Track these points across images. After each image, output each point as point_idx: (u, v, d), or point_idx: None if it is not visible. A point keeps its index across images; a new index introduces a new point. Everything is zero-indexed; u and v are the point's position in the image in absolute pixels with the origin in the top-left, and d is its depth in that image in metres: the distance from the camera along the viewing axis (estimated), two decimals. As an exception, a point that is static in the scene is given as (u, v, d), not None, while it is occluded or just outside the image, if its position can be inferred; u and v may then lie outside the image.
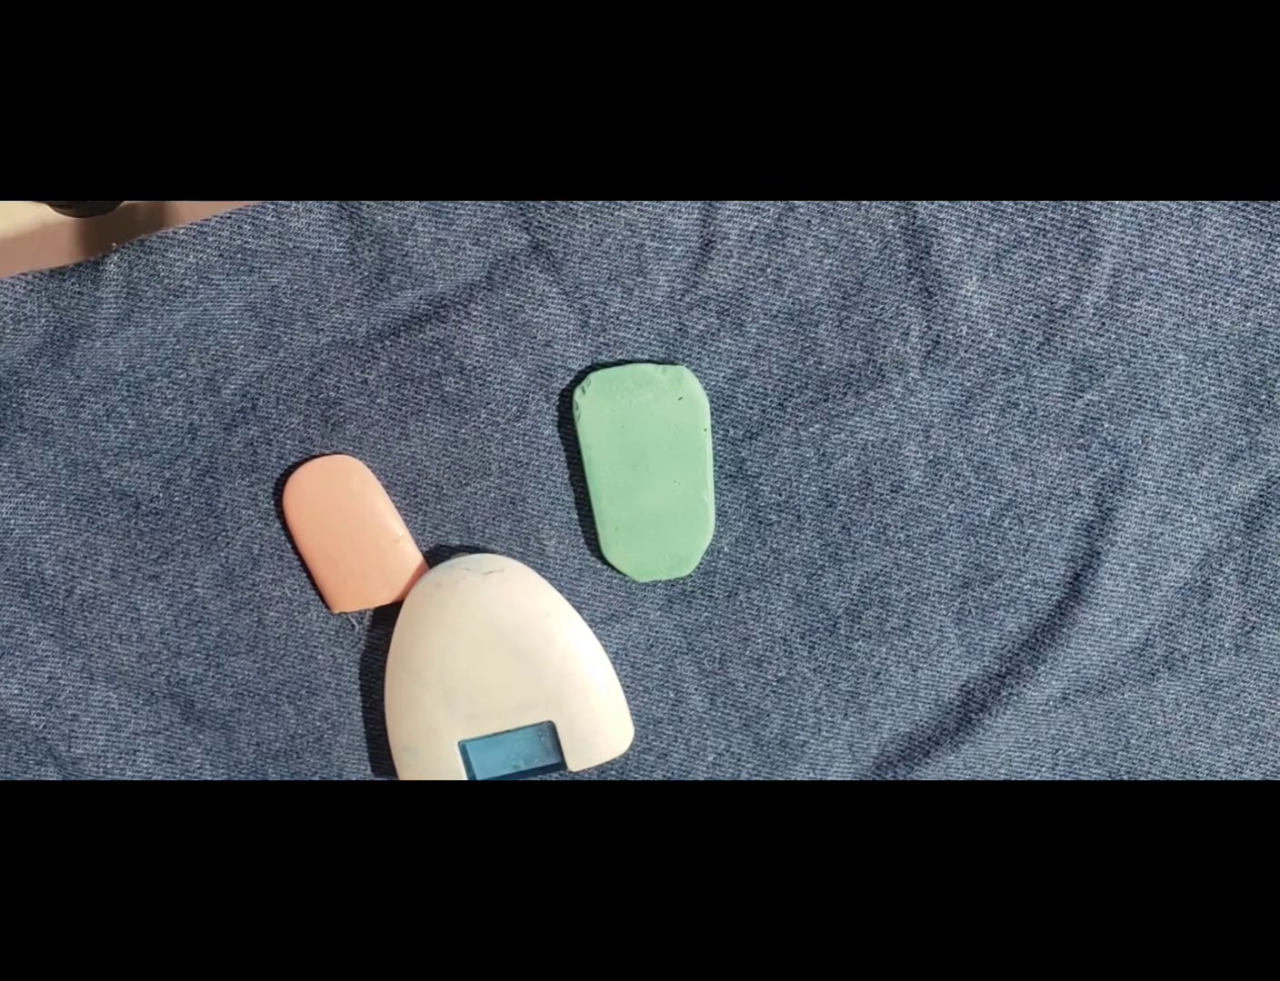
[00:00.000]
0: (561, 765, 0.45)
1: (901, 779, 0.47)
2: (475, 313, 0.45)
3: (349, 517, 0.45)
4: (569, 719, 0.45)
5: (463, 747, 0.45)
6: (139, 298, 0.43)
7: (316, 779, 0.47)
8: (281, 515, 0.45)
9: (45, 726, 0.45)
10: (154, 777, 0.46)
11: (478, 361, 0.45)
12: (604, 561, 0.46)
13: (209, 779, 0.47)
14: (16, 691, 0.45)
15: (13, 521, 0.45)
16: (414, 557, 0.46)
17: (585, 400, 0.44)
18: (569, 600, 0.46)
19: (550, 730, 0.45)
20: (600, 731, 0.45)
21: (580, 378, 0.45)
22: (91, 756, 0.46)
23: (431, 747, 0.45)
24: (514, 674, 0.44)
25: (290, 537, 0.46)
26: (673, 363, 0.45)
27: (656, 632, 0.47)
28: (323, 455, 0.45)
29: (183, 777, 0.46)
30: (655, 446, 0.45)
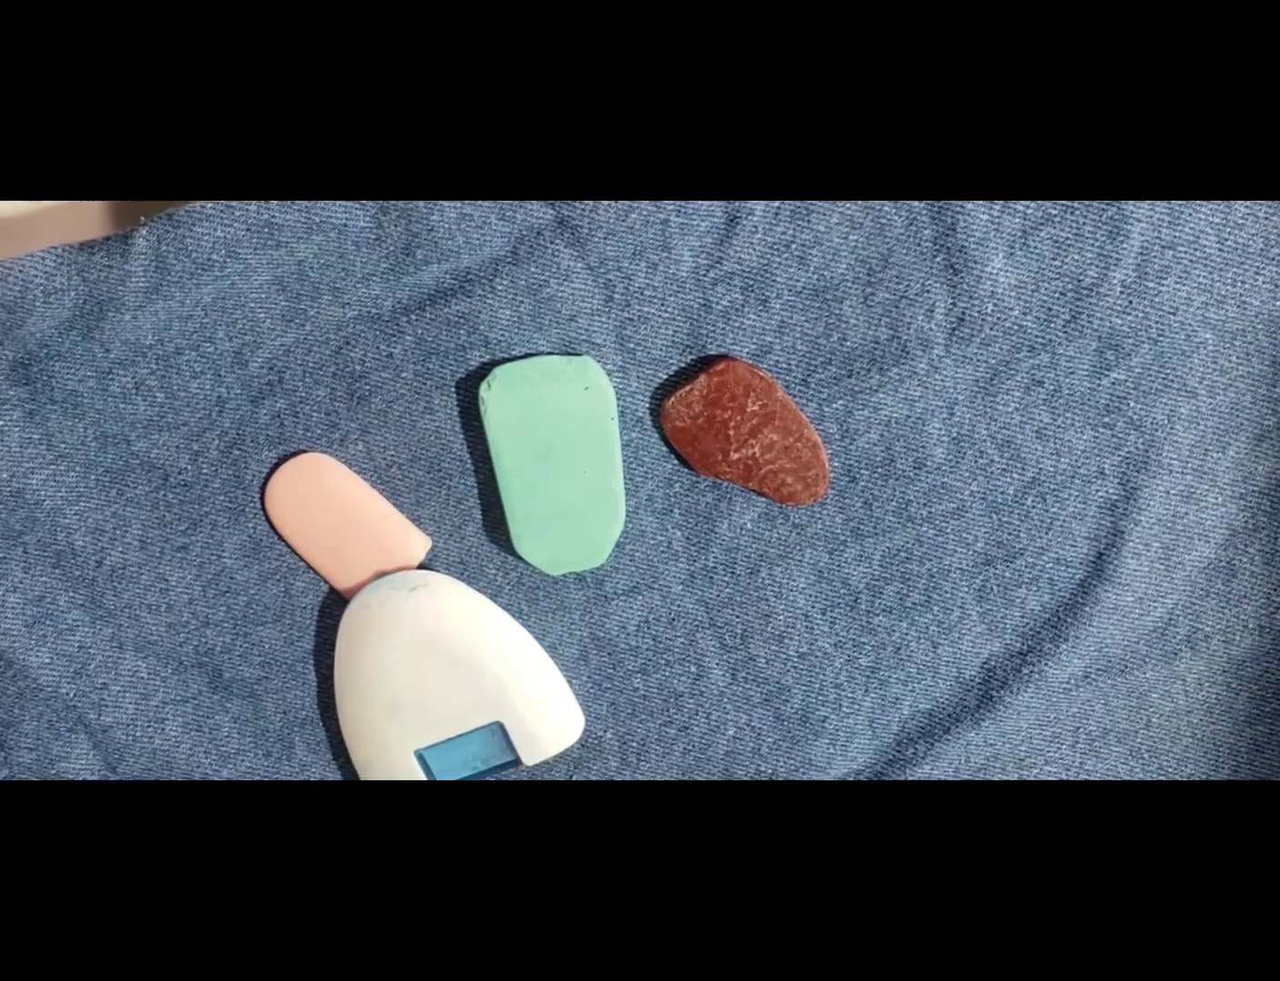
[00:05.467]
0: (517, 761, 0.46)
1: (922, 755, 0.47)
2: (500, 287, 0.45)
3: (332, 510, 0.46)
4: (516, 716, 0.45)
5: (420, 756, 0.45)
6: (167, 271, 0.44)
7: (342, 749, 0.47)
8: (269, 522, 0.46)
9: (76, 694, 0.46)
10: (182, 746, 0.47)
11: (502, 336, 0.45)
12: (516, 556, 0.46)
13: (236, 747, 0.47)
14: (48, 660, 0.46)
15: (43, 493, 0.45)
16: (406, 526, 0.46)
17: (491, 395, 0.44)
18: (592, 572, 0.46)
19: (500, 729, 0.45)
20: (548, 724, 0.46)
21: (485, 373, 0.45)
22: (121, 724, 0.47)
23: (388, 760, 0.45)
24: (454, 681, 0.45)
25: (284, 541, 0.46)
26: (577, 354, 0.45)
27: (678, 607, 0.47)
28: (293, 457, 0.45)
29: (210, 746, 0.47)
30: (563, 438, 0.44)
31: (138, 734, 0.47)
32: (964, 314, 0.45)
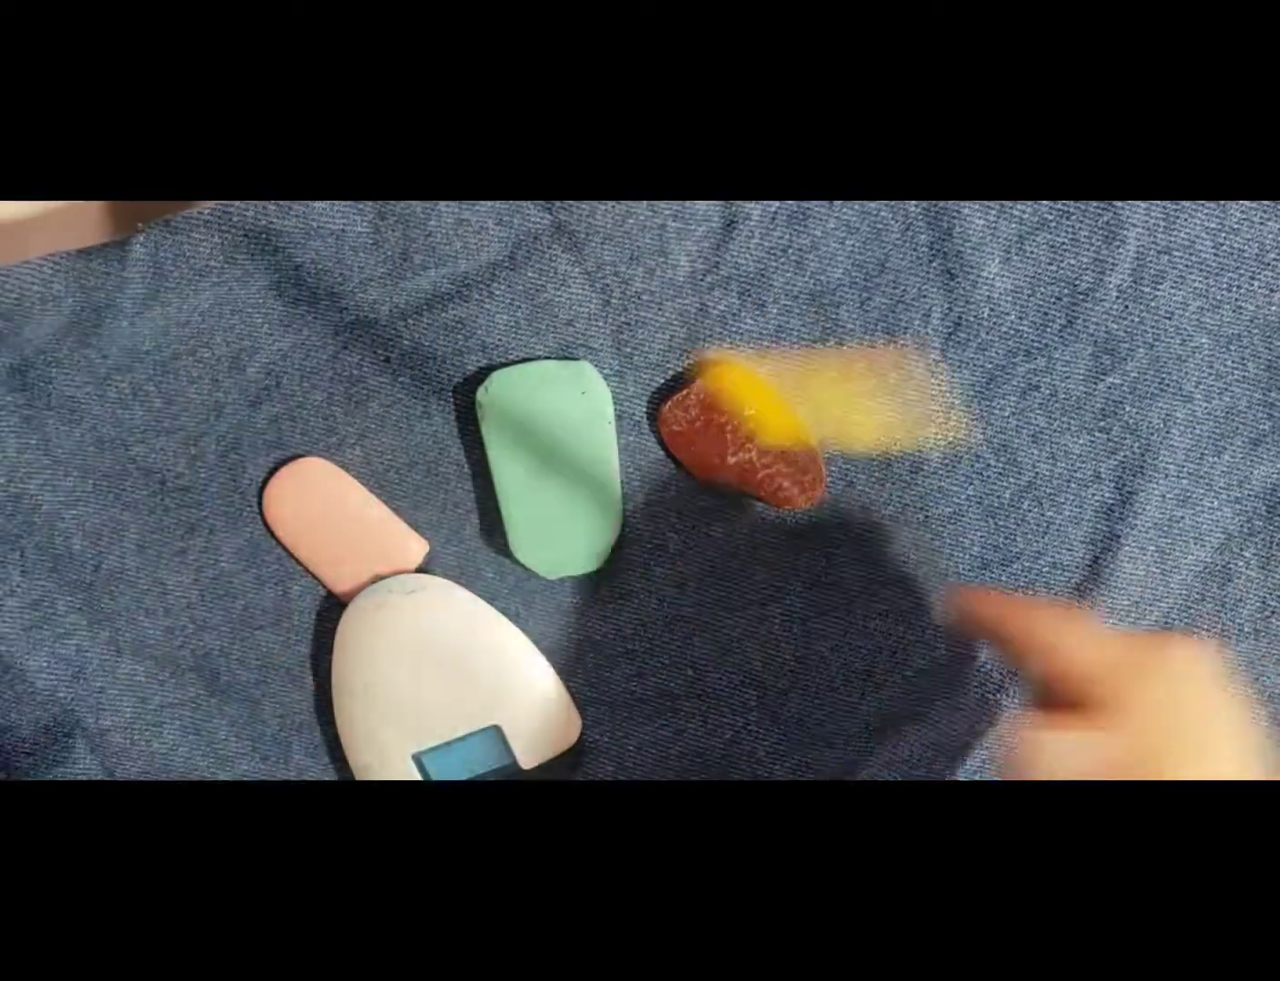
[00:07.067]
0: (515, 765, 0.46)
1: (916, 757, 0.47)
2: (498, 292, 0.45)
3: (329, 514, 0.46)
4: (513, 720, 0.45)
5: (418, 760, 0.46)
6: (165, 278, 0.44)
7: (339, 750, 0.47)
8: (266, 527, 0.46)
9: (73, 699, 0.46)
10: (179, 749, 0.47)
11: (499, 340, 0.45)
12: (513, 560, 0.46)
13: (233, 750, 0.47)
14: (45, 664, 0.46)
15: (41, 497, 0.45)
16: (404, 530, 0.46)
17: (488, 400, 0.44)
18: (589, 576, 0.47)
19: (498, 733, 0.45)
20: (546, 727, 0.46)
21: (483, 377, 0.45)
22: (118, 728, 0.47)
23: (386, 763, 0.46)
24: (451, 685, 0.45)
25: (281, 545, 0.46)
26: (574, 358, 0.45)
27: (675, 610, 0.47)
28: (291, 461, 0.46)
29: (208, 749, 0.47)
30: (560, 442, 0.44)
31: (135, 737, 0.47)
32: (960, 318, 0.45)
